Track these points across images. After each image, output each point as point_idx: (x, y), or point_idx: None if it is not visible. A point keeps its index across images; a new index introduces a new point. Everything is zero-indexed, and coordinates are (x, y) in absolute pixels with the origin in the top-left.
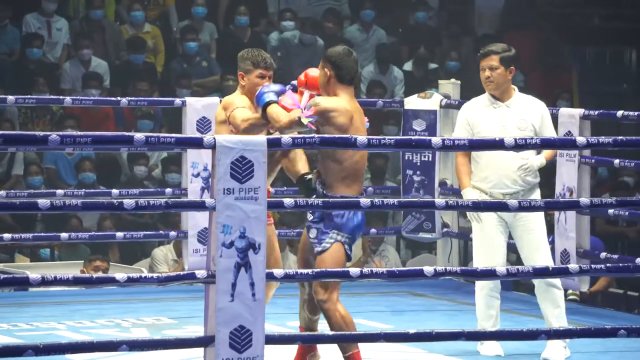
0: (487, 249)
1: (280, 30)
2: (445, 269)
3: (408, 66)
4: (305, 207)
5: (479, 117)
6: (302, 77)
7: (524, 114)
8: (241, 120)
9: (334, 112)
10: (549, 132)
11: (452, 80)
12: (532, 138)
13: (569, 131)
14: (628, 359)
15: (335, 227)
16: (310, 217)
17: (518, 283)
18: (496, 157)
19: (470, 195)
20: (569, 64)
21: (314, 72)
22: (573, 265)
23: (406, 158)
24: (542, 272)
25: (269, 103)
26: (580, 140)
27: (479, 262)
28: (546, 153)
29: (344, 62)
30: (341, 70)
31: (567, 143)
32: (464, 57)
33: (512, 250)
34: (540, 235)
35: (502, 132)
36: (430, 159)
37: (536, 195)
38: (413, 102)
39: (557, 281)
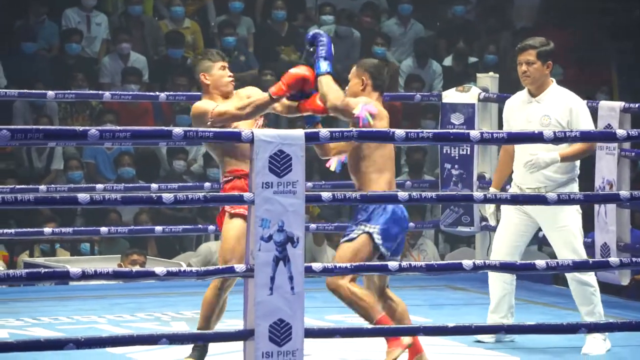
0: (496, 239)
1: (319, 24)
2: (484, 263)
3: (448, 61)
4: (342, 201)
5: (512, 112)
6: (284, 82)
7: (550, 109)
8: (238, 109)
9: (379, 115)
10: (582, 127)
11: (490, 73)
12: (571, 131)
13: (609, 124)
14: None
15: (363, 220)
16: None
17: (557, 277)
18: (519, 152)
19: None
20: (608, 58)
21: (297, 71)
22: (613, 259)
23: (444, 152)
24: (582, 266)
25: (326, 73)
26: (620, 132)
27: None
28: (568, 149)
29: (381, 72)
30: (377, 80)
31: (606, 136)
32: (501, 50)
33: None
34: (569, 233)
35: (526, 128)
36: (468, 153)
37: (572, 190)
38: (451, 96)
39: (590, 278)
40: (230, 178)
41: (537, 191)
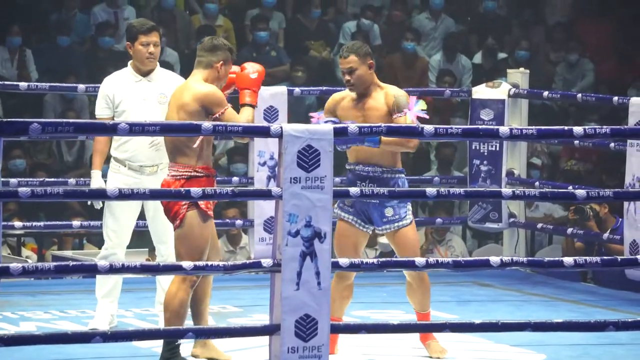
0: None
1: (350, 18)
2: (512, 259)
3: (477, 58)
4: (370, 197)
5: None
6: (257, 90)
7: None
8: (247, 122)
9: None
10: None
11: (521, 69)
12: (601, 127)
13: (639, 121)
14: None
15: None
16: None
17: (585, 274)
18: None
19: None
20: None
21: (258, 71)
22: None
23: (473, 148)
24: (611, 263)
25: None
26: None
27: None
28: None
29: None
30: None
31: (636, 132)
32: (534, 46)
33: None
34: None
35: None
36: (497, 149)
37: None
38: (481, 92)
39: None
40: (201, 175)
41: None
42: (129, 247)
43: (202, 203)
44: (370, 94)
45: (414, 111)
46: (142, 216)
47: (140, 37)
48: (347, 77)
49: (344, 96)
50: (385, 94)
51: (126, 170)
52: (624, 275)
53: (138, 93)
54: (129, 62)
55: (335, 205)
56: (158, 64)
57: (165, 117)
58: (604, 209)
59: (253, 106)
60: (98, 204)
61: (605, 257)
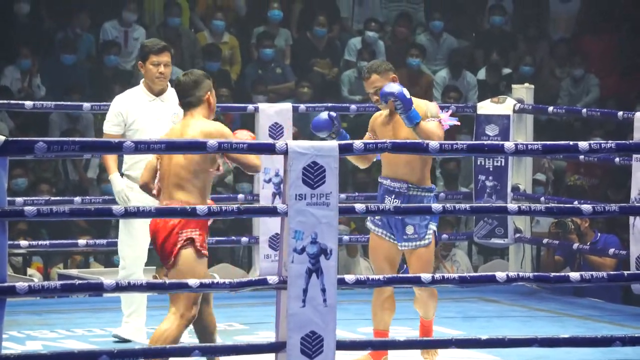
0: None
1: (354, 34)
2: (518, 275)
3: (482, 74)
4: (376, 213)
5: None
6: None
7: None
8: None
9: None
10: None
11: (526, 84)
12: (606, 142)
13: None
14: None
15: (432, 218)
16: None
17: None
18: None
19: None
20: None
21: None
22: None
23: (478, 163)
24: (617, 278)
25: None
26: None
27: None
28: None
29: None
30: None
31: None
32: (538, 61)
33: None
34: None
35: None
36: (502, 164)
37: None
38: (486, 107)
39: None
40: None
41: None
42: None
43: (197, 241)
44: None
45: (445, 116)
46: None
47: (151, 56)
48: (375, 97)
49: (380, 113)
50: (417, 107)
51: (139, 189)
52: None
53: (152, 113)
54: (141, 81)
55: (368, 219)
56: (169, 84)
57: (167, 156)
58: (585, 222)
59: None
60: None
61: (611, 272)
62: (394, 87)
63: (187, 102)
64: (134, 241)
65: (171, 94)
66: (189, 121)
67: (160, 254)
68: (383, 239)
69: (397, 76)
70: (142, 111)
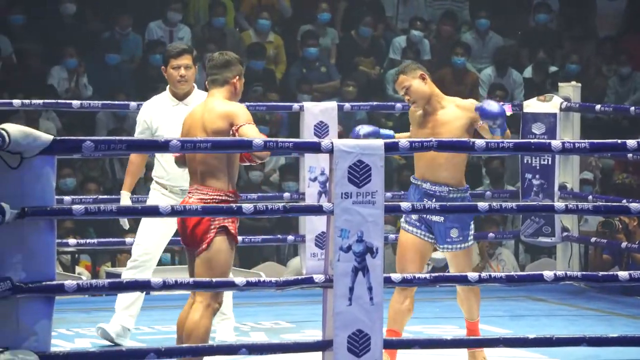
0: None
1: (399, 33)
2: (566, 274)
3: (528, 72)
4: (421, 211)
5: None
6: None
7: None
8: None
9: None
10: None
11: (573, 83)
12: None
13: None
14: None
15: (472, 221)
16: (437, 219)
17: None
18: None
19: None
20: None
21: None
22: None
23: (525, 162)
24: None
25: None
26: None
27: None
28: None
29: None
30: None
31: None
32: (585, 59)
33: None
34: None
35: None
36: (549, 163)
37: None
38: (532, 106)
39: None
40: (232, 199)
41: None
42: (181, 263)
43: (232, 228)
44: (437, 108)
45: (505, 107)
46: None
47: (171, 60)
48: (407, 97)
49: (415, 110)
50: (460, 107)
51: (168, 193)
52: None
53: (175, 118)
54: (167, 87)
55: (403, 219)
56: (195, 86)
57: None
58: (633, 222)
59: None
60: (126, 224)
61: None
62: (494, 106)
63: (214, 79)
64: (149, 243)
65: (197, 97)
66: (211, 103)
67: (190, 240)
68: (415, 236)
69: (425, 73)
70: (166, 117)
